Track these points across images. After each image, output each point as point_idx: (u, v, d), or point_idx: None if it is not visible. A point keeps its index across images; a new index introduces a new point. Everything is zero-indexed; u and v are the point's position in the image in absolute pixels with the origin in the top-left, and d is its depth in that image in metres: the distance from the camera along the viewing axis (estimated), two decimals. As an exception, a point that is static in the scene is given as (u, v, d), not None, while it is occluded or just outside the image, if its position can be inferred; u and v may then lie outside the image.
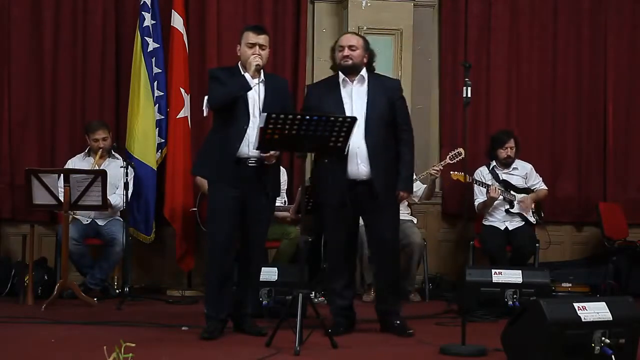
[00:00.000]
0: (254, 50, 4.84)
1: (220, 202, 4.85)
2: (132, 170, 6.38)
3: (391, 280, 5.12)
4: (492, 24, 7.55)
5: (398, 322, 5.05)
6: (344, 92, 4.98)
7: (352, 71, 4.98)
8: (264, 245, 5.16)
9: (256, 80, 4.84)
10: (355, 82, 4.99)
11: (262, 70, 4.92)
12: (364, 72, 5.02)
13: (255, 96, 4.84)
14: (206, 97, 4.85)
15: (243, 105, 4.81)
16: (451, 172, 6.59)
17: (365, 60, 5.03)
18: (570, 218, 7.68)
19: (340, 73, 5.03)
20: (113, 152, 6.57)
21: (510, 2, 7.60)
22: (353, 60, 4.96)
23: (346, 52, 4.96)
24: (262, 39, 4.89)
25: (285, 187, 6.72)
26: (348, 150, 4.79)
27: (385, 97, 4.99)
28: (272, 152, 4.80)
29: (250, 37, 4.88)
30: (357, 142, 4.86)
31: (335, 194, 4.94)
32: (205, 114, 5.00)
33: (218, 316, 4.86)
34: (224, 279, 4.86)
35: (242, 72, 4.83)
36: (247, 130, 4.79)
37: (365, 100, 4.95)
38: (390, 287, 5.11)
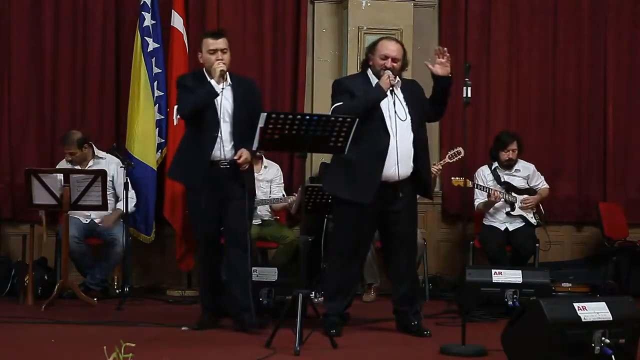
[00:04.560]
0: (216, 56, 4.89)
1: (196, 206, 4.99)
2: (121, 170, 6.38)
3: (414, 281, 5.13)
4: (492, 24, 7.56)
5: (415, 322, 5.05)
6: None
7: None
8: (246, 240, 5.01)
9: (222, 85, 4.89)
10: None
11: (227, 74, 4.95)
12: (399, 77, 5.02)
13: (224, 101, 4.91)
14: (176, 107, 4.91)
15: (212, 112, 4.88)
16: (452, 178, 6.59)
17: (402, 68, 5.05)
18: (570, 218, 7.68)
19: (371, 74, 5.01)
20: (97, 154, 6.52)
21: (510, 2, 7.60)
22: (395, 72, 4.93)
23: (389, 64, 4.93)
24: (221, 42, 4.95)
25: (282, 181, 6.77)
26: (387, 152, 4.84)
27: (419, 99, 5.02)
28: (243, 158, 4.84)
29: (210, 43, 4.94)
30: (398, 143, 4.87)
31: (365, 193, 4.88)
32: (175, 123, 5.07)
33: (210, 306, 5.05)
34: (211, 276, 5.06)
35: (208, 79, 4.89)
36: (219, 136, 4.87)
37: (405, 103, 4.96)
38: (413, 289, 5.11)
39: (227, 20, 7.06)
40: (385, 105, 4.90)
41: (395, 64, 4.94)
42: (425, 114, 5.06)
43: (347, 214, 4.99)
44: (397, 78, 4.95)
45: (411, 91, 5.04)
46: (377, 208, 4.94)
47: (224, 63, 4.87)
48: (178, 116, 4.94)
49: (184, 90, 4.93)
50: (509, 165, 6.86)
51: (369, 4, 7.12)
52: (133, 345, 3.11)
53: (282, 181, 6.78)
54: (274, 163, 6.79)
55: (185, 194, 5.28)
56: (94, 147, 6.54)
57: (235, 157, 4.87)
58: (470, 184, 6.58)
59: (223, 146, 4.88)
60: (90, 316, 5.49)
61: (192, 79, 5.01)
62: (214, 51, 4.90)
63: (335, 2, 7.33)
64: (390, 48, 4.98)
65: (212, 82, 4.85)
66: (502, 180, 6.83)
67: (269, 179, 6.64)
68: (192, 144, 4.97)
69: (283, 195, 6.60)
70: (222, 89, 4.87)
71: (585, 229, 7.74)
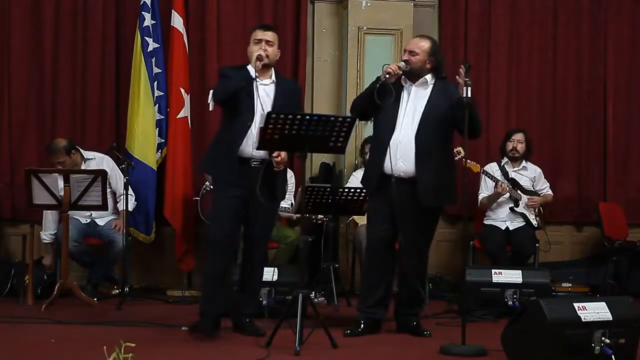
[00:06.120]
0: (260, 45, 4.88)
1: (222, 201, 4.85)
2: (119, 171, 6.37)
3: (416, 284, 5.12)
4: (492, 24, 7.56)
5: (415, 323, 5.07)
6: (404, 90, 4.97)
7: (410, 75, 4.95)
8: (266, 245, 5.12)
9: (265, 81, 4.86)
10: (417, 84, 4.97)
11: (273, 71, 4.94)
12: (428, 77, 4.97)
13: (265, 96, 4.86)
14: (211, 91, 4.88)
15: (248, 101, 4.80)
16: (463, 160, 6.51)
17: (429, 65, 4.96)
18: (570, 218, 7.68)
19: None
20: (86, 157, 6.48)
21: (510, 2, 7.60)
22: (410, 65, 4.91)
23: (405, 56, 4.96)
24: (269, 35, 4.93)
25: (293, 189, 6.69)
26: (389, 144, 4.85)
27: (447, 102, 4.90)
28: (282, 157, 4.80)
29: (258, 34, 4.94)
30: (400, 137, 4.88)
31: (369, 182, 5.07)
32: (210, 108, 5.03)
33: (211, 313, 4.84)
34: (220, 277, 4.85)
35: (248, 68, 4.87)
36: (251, 128, 4.78)
37: (425, 101, 4.93)
38: (415, 292, 5.11)
39: (227, 20, 7.07)
40: (405, 99, 4.93)
41: (412, 57, 4.93)
42: (450, 119, 4.91)
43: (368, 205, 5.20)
44: (406, 66, 4.90)
45: (443, 93, 4.94)
46: (391, 203, 4.92)
47: (263, 51, 4.84)
48: (212, 101, 4.89)
49: (222, 77, 4.89)
50: (513, 157, 6.85)
51: (369, 4, 7.12)
52: (133, 345, 3.11)
53: (294, 188, 6.67)
54: (290, 171, 6.60)
55: (212, 188, 5.18)
56: (80, 150, 6.49)
57: (273, 155, 4.79)
58: (480, 169, 6.58)
59: (254, 142, 4.76)
60: (90, 316, 5.49)
61: (233, 69, 4.99)
62: (259, 41, 4.88)
63: (335, 2, 7.33)
64: (409, 42, 5.07)
65: (249, 67, 4.83)
66: (510, 176, 6.84)
67: None
68: (224, 136, 4.88)
69: (292, 203, 6.55)
70: (257, 79, 4.78)
71: (585, 229, 7.74)
